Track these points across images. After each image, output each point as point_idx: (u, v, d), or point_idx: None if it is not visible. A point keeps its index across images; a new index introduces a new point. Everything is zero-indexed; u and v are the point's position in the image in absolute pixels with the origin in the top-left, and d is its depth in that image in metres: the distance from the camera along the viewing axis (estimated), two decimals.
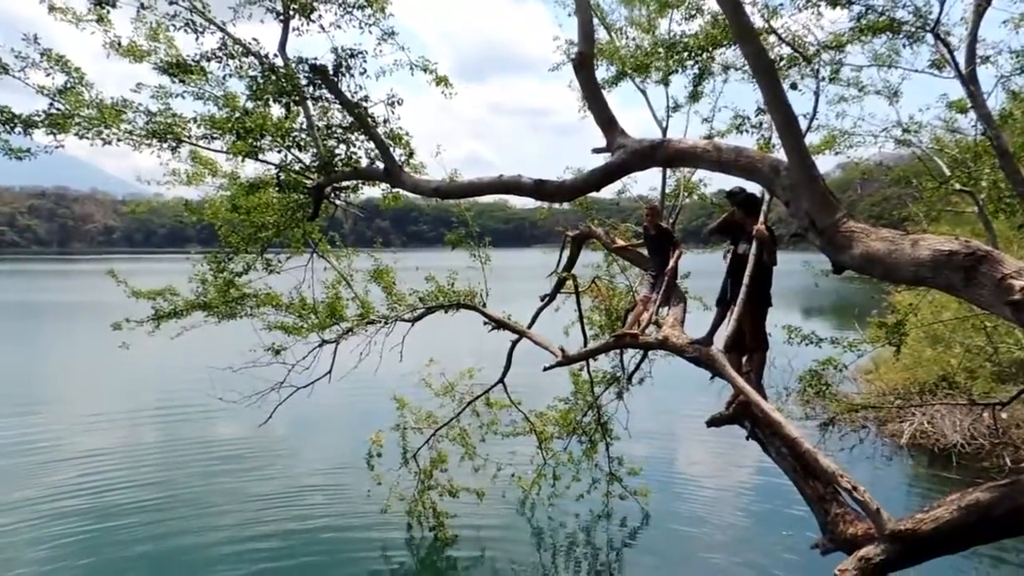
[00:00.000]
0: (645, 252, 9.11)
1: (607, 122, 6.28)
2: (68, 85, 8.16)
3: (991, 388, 16.50)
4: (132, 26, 8.67)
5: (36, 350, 33.97)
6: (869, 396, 19.56)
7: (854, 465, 15.67)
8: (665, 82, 10.52)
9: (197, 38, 7.91)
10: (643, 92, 10.81)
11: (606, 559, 12.73)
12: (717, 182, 11.75)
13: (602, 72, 10.71)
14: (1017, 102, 11.07)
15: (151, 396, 24.10)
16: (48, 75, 8.12)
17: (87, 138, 8.02)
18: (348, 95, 7.86)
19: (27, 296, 60.85)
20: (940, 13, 9.66)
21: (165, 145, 8.50)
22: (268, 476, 15.91)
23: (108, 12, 8.18)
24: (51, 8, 8.19)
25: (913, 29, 9.91)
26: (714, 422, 6.75)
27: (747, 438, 6.50)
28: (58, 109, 7.97)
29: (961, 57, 9.66)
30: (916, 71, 10.96)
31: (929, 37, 10.02)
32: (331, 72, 7.66)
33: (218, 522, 13.48)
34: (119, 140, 8.29)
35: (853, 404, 15.53)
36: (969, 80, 9.49)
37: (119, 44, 8.63)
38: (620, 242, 10.26)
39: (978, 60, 9.70)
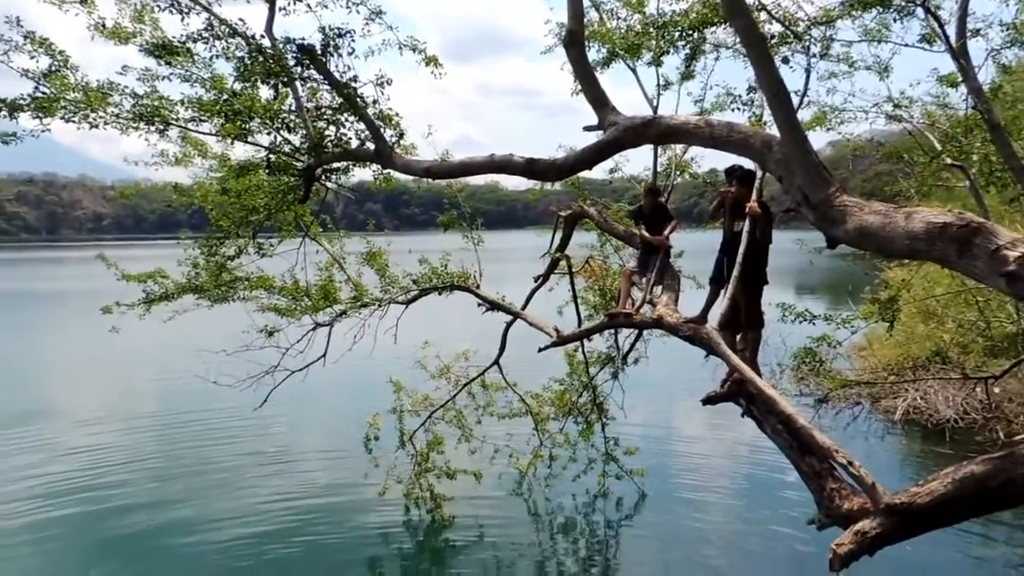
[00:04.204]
0: (642, 231, 8.84)
1: (598, 100, 6.24)
2: (53, 68, 8.03)
3: (984, 362, 16.59)
4: (116, 7, 8.56)
5: (29, 338, 33.84)
6: (863, 373, 19.66)
7: (849, 441, 15.77)
8: (657, 63, 10.44)
9: (183, 19, 7.80)
10: (633, 71, 10.75)
11: (603, 539, 12.80)
12: (709, 161, 11.71)
13: (593, 54, 10.63)
14: (1008, 76, 11.04)
15: (145, 381, 24.14)
16: (32, 58, 8.01)
17: (73, 122, 7.93)
18: (337, 75, 7.78)
19: (18, 284, 60.50)
20: None
21: (152, 128, 8.41)
22: (264, 460, 15.92)
23: None
24: None
25: (903, 3, 9.85)
26: (709, 400, 6.75)
27: (742, 416, 6.51)
28: (43, 93, 7.86)
29: (951, 31, 9.61)
30: (906, 45, 10.91)
31: (919, 11, 9.96)
32: (319, 52, 7.57)
33: (214, 505, 13.51)
34: (106, 124, 8.19)
35: (847, 381, 15.62)
36: (959, 54, 9.44)
37: (103, 26, 8.50)
38: (618, 227, 10.21)
39: (968, 33, 9.64)
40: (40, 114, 7.77)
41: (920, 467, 15.13)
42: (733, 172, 7.30)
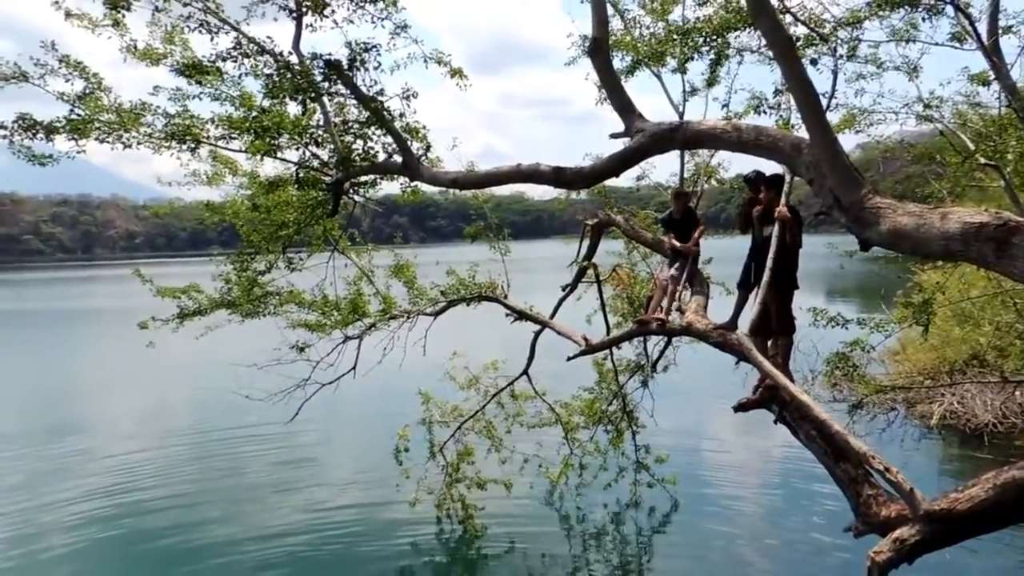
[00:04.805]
0: (672, 240, 8.71)
1: (624, 107, 6.24)
2: (87, 91, 8.24)
3: (1022, 366, 16.22)
4: (148, 30, 8.73)
5: (67, 355, 34.50)
6: (898, 377, 19.32)
7: (884, 447, 15.48)
8: (682, 70, 10.40)
9: (212, 39, 7.94)
10: (658, 78, 10.70)
11: (635, 547, 12.71)
12: (736, 166, 11.62)
13: (617, 62, 10.61)
14: None
15: (179, 396, 24.50)
16: (67, 81, 8.21)
17: (107, 142, 8.10)
18: (363, 89, 7.87)
19: (55, 304, 61.82)
20: None
21: (184, 147, 8.55)
22: (296, 472, 16.05)
23: (123, 16, 8.24)
24: (67, 15, 8.26)
25: (932, 1, 9.72)
26: (742, 407, 6.68)
27: (775, 422, 6.43)
28: (78, 114, 8.04)
29: (983, 28, 9.47)
30: (936, 44, 10.73)
31: (949, 9, 9.83)
32: (346, 67, 7.66)
33: (247, 515, 13.67)
34: (139, 143, 8.36)
35: (882, 386, 15.32)
36: (991, 52, 9.30)
37: (135, 48, 8.69)
38: (646, 234, 10.15)
39: (1000, 31, 9.50)
40: (75, 136, 7.95)
41: (959, 473, 14.82)
42: (750, 179, 7.29)
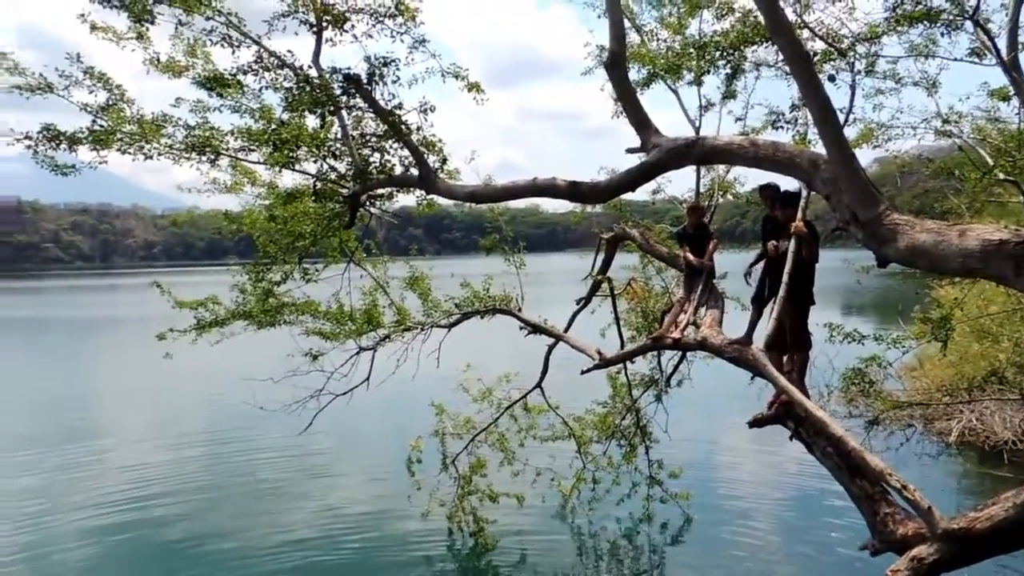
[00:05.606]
0: (687, 254, 8.67)
1: (641, 122, 6.26)
2: (110, 102, 8.34)
3: None
4: (170, 43, 8.85)
5: (86, 362, 34.87)
6: (915, 394, 19.13)
7: (901, 464, 15.32)
8: (698, 83, 10.41)
9: (233, 52, 8.05)
10: (675, 92, 10.72)
11: (647, 563, 12.62)
12: (752, 181, 11.59)
13: (633, 74, 10.64)
14: None
15: (194, 404, 24.63)
16: (91, 92, 8.33)
17: (129, 153, 8.19)
18: (382, 103, 7.93)
19: (75, 311, 62.40)
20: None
21: (204, 158, 8.65)
22: (308, 482, 16.09)
23: (147, 29, 8.36)
24: (93, 27, 8.39)
25: (951, 17, 9.70)
26: (756, 423, 6.66)
27: (791, 438, 6.40)
28: (101, 126, 8.15)
29: (1002, 44, 9.44)
30: (955, 60, 10.70)
31: (968, 25, 9.80)
32: (365, 81, 7.73)
33: (259, 525, 13.68)
34: (159, 154, 8.45)
35: (899, 402, 15.21)
36: (1011, 67, 9.27)
37: (158, 60, 8.80)
38: (661, 248, 10.12)
39: (1020, 46, 9.46)
40: (98, 146, 8.05)
41: (977, 491, 14.64)
42: (765, 191, 7.33)
